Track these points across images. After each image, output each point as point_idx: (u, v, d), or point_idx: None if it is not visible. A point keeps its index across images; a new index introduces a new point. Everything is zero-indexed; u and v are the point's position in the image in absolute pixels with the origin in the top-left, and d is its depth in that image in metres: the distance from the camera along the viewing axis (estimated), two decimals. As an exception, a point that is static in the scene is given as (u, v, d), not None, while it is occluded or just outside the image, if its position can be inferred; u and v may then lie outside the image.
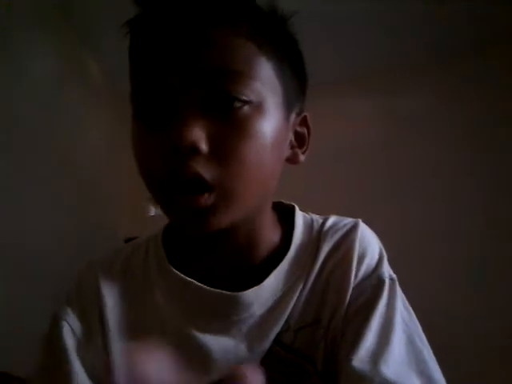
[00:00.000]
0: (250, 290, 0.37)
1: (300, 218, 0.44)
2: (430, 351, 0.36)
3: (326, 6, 1.88)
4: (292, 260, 0.39)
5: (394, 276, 0.41)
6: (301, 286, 0.38)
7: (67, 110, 1.86)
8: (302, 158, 0.42)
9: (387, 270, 0.41)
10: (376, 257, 0.42)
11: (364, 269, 0.40)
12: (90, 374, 0.35)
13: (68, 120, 1.86)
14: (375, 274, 0.40)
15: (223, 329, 0.37)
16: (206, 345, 0.36)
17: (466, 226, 1.73)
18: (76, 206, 1.83)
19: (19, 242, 1.47)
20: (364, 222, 0.46)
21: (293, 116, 0.39)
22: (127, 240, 2.20)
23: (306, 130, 0.42)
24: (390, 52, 2.09)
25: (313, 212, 0.47)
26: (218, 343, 0.36)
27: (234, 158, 0.31)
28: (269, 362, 0.36)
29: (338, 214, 0.47)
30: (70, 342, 0.37)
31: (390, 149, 1.98)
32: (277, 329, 0.37)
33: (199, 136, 0.30)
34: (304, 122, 0.42)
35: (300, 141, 0.42)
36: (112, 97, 2.28)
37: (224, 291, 0.37)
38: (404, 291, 0.40)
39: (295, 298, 0.38)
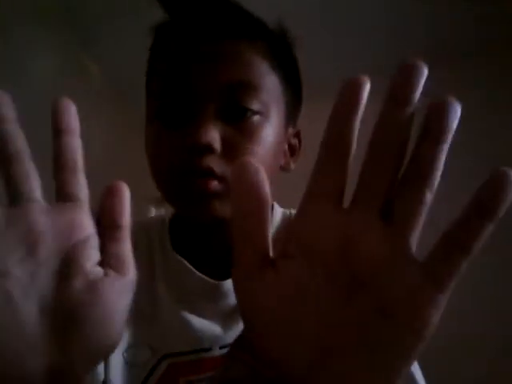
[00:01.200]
0: (227, 281, 0.41)
1: (278, 214, 0.49)
2: None
3: (325, 7, 1.88)
4: None
5: None
6: None
7: (67, 110, 1.86)
8: (292, 166, 0.48)
9: None
10: None
11: None
12: None
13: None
14: None
15: (204, 311, 0.41)
16: (187, 320, 0.40)
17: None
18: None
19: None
20: None
21: (290, 128, 0.45)
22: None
23: (298, 143, 0.48)
24: (390, 53, 2.10)
25: None
26: (197, 322, 0.40)
27: (244, 156, 0.36)
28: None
29: None
30: None
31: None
32: None
33: (215, 137, 0.35)
34: (297, 136, 0.48)
35: (292, 152, 0.48)
36: (112, 97, 2.28)
37: (208, 278, 0.42)
38: None
39: None
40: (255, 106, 0.37)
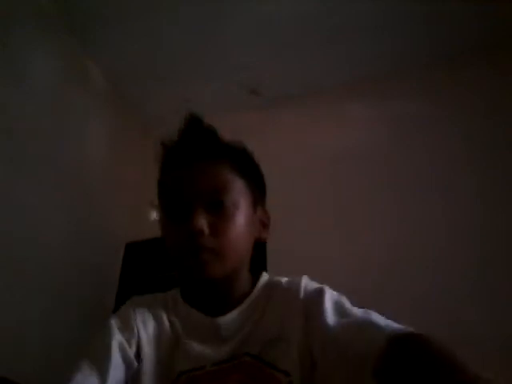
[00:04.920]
0: (221, 318, 0.60)
1: (264, 278, 0.68)
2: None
3: (324, 9, 1.88)
4: (249, 304, 0.62)
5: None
6: (256, 319, 0.60)
7: (67, 112, 1.86)
8: (265, 235, 0.68)
9: (329, 290, 0.61)
10: (318, 286, 0.62)
11: (308, 291, 0.61)
12: (124, 345, 0.56)
13: (68, 122, 1.86)
14: (317, 288, 0.61)
15: (207, 340, 0.59)
16: (193, 347, 0.58)
17: (467, 229, 1.74)
18: (77, 210, 1.82)
19: (19, 246, 1.47)
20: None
21: (258, 210, 0.67)
22: (128, 244, 2.20)
23: (267, 219, 0.69)
24: (391, 56, 2.10)
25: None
26: (201, 348, 0.58)
27: (224, 235, 0.57)
28: (240, 367, 0.55)
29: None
30: (115, 330, 0.57)
31: (389, 153, 1.98)
32: (241, 344, 0.57)
33: (203, 223, 0.56)
34: (265, 214, 0.69)
35: (263, 226, 0.68)
36: (113, 98, 2.28)
37: (208, 316, 0.61)
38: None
39: (250, 328, 0.59)
40: (229, 201, 0.59)
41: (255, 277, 0.68)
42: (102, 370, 0.51)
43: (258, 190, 0.67)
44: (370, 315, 0.51)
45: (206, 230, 0.56)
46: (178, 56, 2.14)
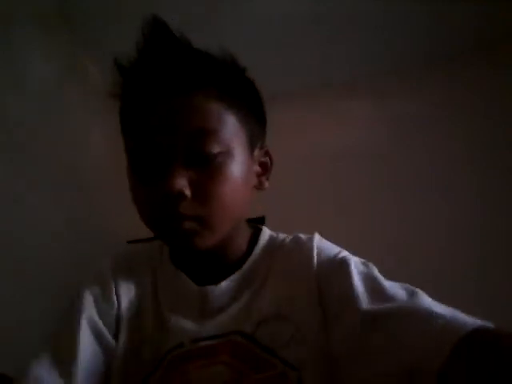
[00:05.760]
0: (210, 287, 0.48)
1: (265, 236, 0.54)
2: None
3: (324, 9, 1.88)
4: (246, 271, 0.50)
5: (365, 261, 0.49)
6: (252, 290, 0.48)
7: (67, 111, 1.86)
8: (266, 184, 0.52)
9: (352, 257, 0.48)
10: (335, 250, 0.50)
11: (325, 258, 0.48)
12: (98, 326, 0.46)
13: (68, 121, 1.86)
14: (337, 257, 0.48)
15: (192, 312, 0.48)
16: (176, 321, 0.47)
17: (467, 229, 1.74)
18: (76, 208, 1.82)
19: (19, 246, 1.47)
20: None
21: (256, 151, 0.50)
22: (129, 242, 2.19)
23: (268, 160, 0.53)
24: (390, 55, 2.10)
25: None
26: (183, 322, 0.47)
27: (213, 199, 0.42)
28: (229, 346, 0.44)
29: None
30: (88, 298, 0.47)
31: (389, 152, 1.98)
32: (232, 320, 0.46)
33: (183, 184, 0.40)
34: (267, 153, 0.53)
35: (264, 169, 0.52)
36: (112, 99, 2.28)
37: (195, 284, 0.49)
38: None
39: (246, 300, 0.47)
40: (216, 148, 0.42)
41: (254, 232, 0.55)
42: (67, 373, 0.41)
43: (255, 122, 0.49)
44: (419, 299, 0.38)
45: (188, 192, 0.41)
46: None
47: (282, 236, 0.55)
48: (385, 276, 0.46)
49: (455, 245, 1.71)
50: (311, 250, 0.49)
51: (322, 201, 1.94)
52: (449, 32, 1.96)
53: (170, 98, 0.42)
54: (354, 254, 0.51)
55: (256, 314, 0.45)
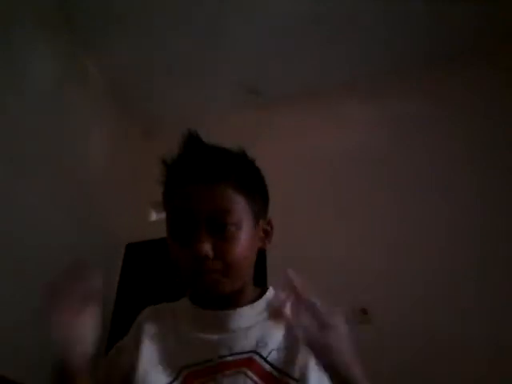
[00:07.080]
0: (230, 311, 0.63)
1: (271, 291, 0.69)
2: None
3: (324, 9, 1.88)
4: (256, 309, 0.65)
5: None
6: (261, 322, 0.63)
7: (67, 111, 1.86)
8: (268, 245, 0.68)
9: None
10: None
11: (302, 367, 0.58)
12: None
13: (68, 121, 1.86)
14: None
15: (214, 332, 0.62)
16: (197, 337, 0.62)
17: (467, 229, 1.74)
18: (77, 210, 1.82)
19: (19, 246, 1.47)
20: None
21: (261, 221, 0.66)
22: (129, 245, 2.18)
23: (270, 228, 0.69)
24: (390, 55, 2.10)
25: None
26: (207, 340, 0.61)
27: (229, 257, 0.59)
28: (247, 365, 0.57)
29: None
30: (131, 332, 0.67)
31: (389, 153, 1.98)
32: (248, 343, 0.60)
33: (208, 249, 0.57)
34: (269, 223, 0.69)
35: (266, 234, 0.68)
36: (112, 98, 2.28)
37: (216, 310, 0.63)
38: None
39: (258, 327, 0.62)
40: (230, 221, 0.59)
41: (260, 289, 0.70)
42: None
43: (260, 203, 0.67)
44: None
45: (211, 253, 0.58)
46: (177, 57, 2.14)
47: (279, 308, 0.67)
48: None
49: (455, 245, 1.71)
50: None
51: (322, 203, 1.94)
52: (449, 32, 1.96)
53: (200, 186, 0.60)
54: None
55: (270, 345, 0.60)
